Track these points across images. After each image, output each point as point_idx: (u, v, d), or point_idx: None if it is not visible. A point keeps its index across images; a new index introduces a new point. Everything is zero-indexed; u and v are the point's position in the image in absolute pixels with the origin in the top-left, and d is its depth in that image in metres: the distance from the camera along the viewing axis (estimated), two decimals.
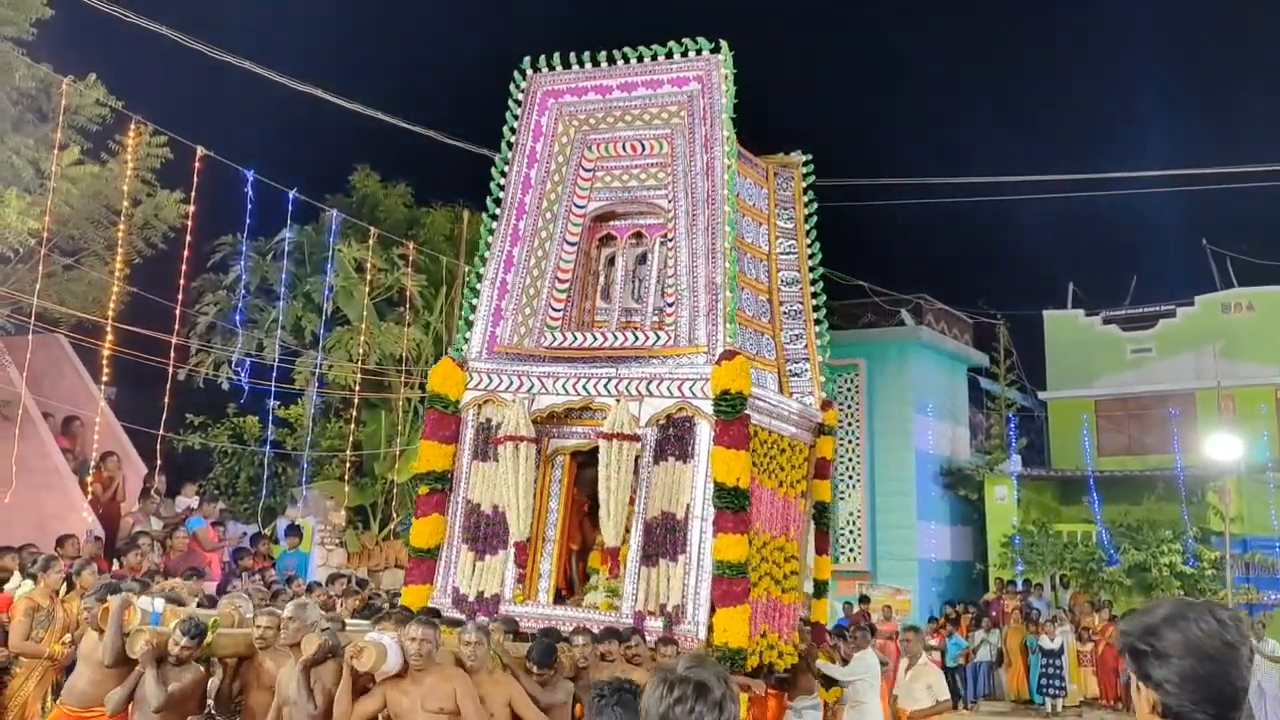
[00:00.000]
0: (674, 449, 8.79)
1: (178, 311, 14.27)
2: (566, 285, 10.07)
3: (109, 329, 13.27)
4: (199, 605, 8.17)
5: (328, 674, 6.42)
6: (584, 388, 9.14)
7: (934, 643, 18.16)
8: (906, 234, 32.53)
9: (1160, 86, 44.17)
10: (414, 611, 7.79)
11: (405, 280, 18.41)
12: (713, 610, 8.37)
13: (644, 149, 9.92)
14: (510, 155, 10.02)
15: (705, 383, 8.66)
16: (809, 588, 10.39)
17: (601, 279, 10.33)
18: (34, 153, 12.98)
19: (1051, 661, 18.74)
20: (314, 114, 17.42)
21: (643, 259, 10.17)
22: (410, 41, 34.04)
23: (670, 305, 9.36)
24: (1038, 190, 23.38)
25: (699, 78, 9.44)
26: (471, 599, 9.15)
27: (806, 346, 10.53)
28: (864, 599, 20.34)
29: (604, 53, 9.71)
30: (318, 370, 17.52)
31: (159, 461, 14.16)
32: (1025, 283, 33.50)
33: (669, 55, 9.49)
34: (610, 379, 9.06)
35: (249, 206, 14.95)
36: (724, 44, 9.39)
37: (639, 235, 10.21)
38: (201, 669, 6.89)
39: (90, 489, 13.09)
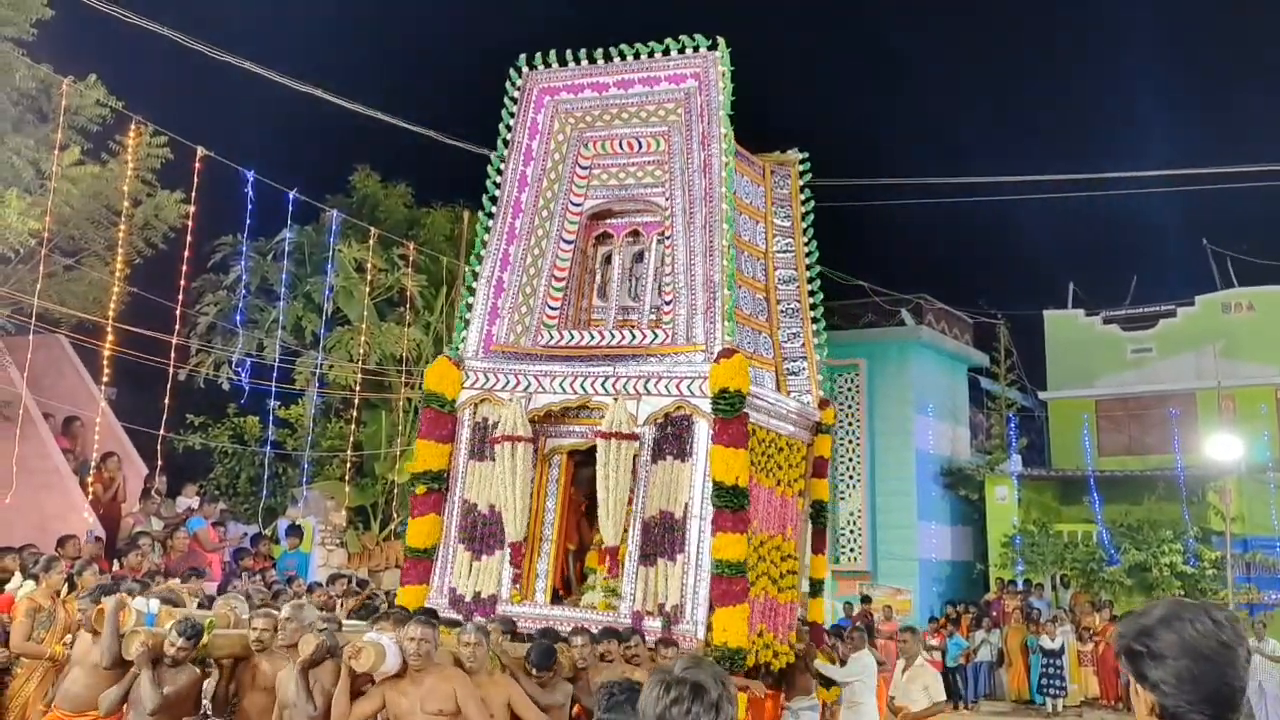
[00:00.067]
0: (672, 448, 8.73)
1: (178, 312, 14.27)
2: (563, 283, 10.02)
3: (109, 329, 13.27)
4: (199, 606, 8.15)
5: (326, 675, 6.38)
6: (581, 386, 9.10)
7: (935, 643, 18.15)
8: (906, 234, 32.57)
9: (1160, 86, 44.23)
10: (411, 611, 7.76)
11: (405, 280, 18.41)
12: (711, 610, 8.33)
13: (641, 146, 9.88)
14: (506, 153, 9.98)
15: (703, 381, 8.61)
16: (805, 587, 10.36)
17: (598, 277, 10.28)
18: (34, 153, 12.98)
19: (1052, 661, 18.70)
20: (314, 114, 17.46)
21: (640, 257, 10.12)
22: (410, 41, 34.08)
23: (668, 303, 9.31)
24: (1038, 190, 23.38)
25: (696, 75, 9.40)
26: (468, 599, 9.11)
27: (804, 345, 10.48)
28: (865, 599, 20.34)
29: (600, 50, 9.67)
30: (318, 370, 17.52)
31: (159, 462, 14.15)
32: (1025, 283, 33.55)
33: (666, 52, 9.46)
34: (608, 377, 9.01)
35: (249, 207, 14.97)
36: (721, 41, 9.36)
37: (636, 233, 10.17)
38: (197, 670, 6.83)
39: (91, 489, 13.08)
